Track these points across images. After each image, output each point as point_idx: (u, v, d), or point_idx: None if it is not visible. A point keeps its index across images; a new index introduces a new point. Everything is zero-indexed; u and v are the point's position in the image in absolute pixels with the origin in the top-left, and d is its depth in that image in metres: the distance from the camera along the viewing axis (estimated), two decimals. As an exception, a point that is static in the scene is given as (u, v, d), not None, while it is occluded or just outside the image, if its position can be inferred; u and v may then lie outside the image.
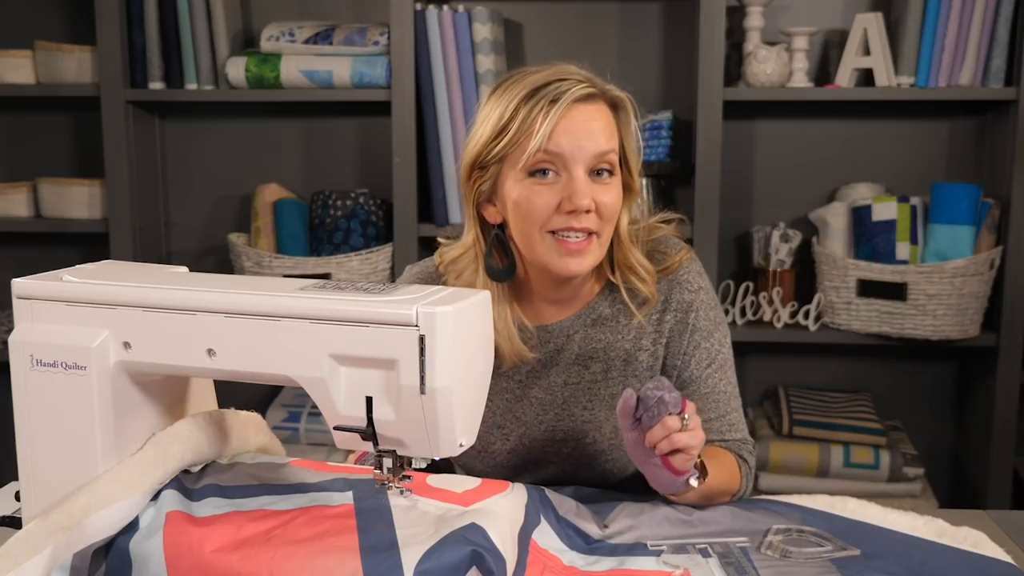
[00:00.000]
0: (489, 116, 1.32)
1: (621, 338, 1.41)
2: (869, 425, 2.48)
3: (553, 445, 1.42)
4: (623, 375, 1.41)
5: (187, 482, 1.14)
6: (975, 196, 2.42)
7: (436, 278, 1.45)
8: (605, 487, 1.42)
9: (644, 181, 2.53)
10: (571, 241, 1.30)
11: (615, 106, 1.34)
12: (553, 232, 1.30)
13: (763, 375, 2.78)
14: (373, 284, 1.07)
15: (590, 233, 1.30)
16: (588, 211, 1.29)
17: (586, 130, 1.29)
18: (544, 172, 1.30)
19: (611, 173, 1.32)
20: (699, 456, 1.24)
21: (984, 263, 2.42)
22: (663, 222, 1.46)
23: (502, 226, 1.37)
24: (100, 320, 1.08)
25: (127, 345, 1.08)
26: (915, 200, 2.47)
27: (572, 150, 1.28)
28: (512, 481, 1.27)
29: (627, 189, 1.36)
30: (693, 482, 1.24)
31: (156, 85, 2.62)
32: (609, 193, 1.31)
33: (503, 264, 1.38)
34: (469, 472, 1.49)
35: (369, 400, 1.03)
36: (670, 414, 1.15)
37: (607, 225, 1.32)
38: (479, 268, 1.38)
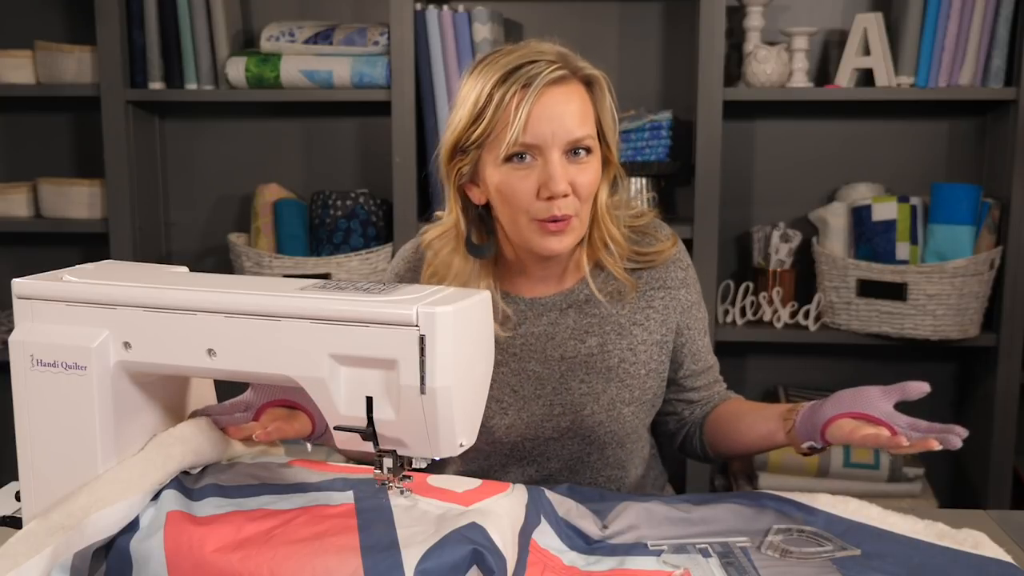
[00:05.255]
0: (466, 100, 1.34)
1: (616, 312, 1.45)
2: (869, 425, 2.47)
3: (551, 419, 1.44)
4: (619, 348, 1.44)
5: (187, 482, 1.14)
6: (975, 196, 2.42)
7: (421, 256, 1.48)
8: (603, 458, 1.45)
9: (644, 181, 2.53)
10: (551, 224, 1.33)
11: (588, 83, 1.36)
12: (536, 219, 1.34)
13: (763, 375, 2.78)
14: (373, 284, 1.07)
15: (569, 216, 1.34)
16: (566, 195, 1.32)
17: (560, 116, 1.31)
18: (522, 157, 1.32)
19: (588, 152, 1.35)
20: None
21: (984, 263, 2.42)
22: (637, 215, 1.51)
23: (487, 206, 1.39)
24: (100, 320, 1.08)
25: (127, 345, 1.08)
26: (915, 200, 2.47)
27: (547, 138, 1.31)
28: (512, 456, 1.38)
29: (606, 163, 1.40)
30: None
31: (156, 85, 2.62)
32: (586, 173, 1.34)
33: (483, 242, 1.41)
34: (468, 450, 1.50)
35: (369, 400, 1.03)
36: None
37: (585, 205, 1.36)
38: (458, 246, 1.41)
